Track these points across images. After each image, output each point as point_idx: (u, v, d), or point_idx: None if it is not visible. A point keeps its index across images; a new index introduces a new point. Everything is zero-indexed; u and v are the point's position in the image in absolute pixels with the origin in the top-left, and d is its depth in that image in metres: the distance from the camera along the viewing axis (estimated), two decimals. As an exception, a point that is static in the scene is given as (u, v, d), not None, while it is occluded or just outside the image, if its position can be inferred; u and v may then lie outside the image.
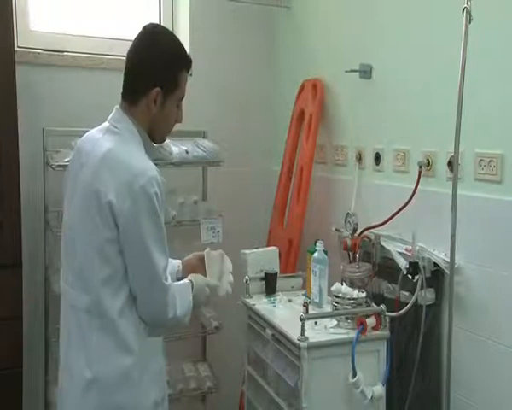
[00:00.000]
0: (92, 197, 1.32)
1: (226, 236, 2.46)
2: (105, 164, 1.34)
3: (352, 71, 2.22)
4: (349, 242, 2.10)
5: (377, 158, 2.19)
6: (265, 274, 2.12)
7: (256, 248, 2.21)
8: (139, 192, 1.29)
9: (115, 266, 1.33)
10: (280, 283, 2.14)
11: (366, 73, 2.20)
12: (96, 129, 1.48)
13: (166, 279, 1.35)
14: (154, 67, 1.38)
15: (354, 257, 2.06)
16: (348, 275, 2.00)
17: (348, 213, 2.18)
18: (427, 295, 1.83)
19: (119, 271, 1.33)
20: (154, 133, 1.46)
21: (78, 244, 1.37)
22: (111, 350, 1.35)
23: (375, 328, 1.76)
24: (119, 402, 1.36)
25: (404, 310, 1.85)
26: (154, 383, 1.41)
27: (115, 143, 1.38)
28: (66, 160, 2.24)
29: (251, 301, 2.06)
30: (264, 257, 2.15)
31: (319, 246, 1.97)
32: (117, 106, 1.45)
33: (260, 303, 2.04)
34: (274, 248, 2.25)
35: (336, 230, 2.26)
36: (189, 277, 1.52)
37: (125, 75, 1.43)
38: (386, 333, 1.77)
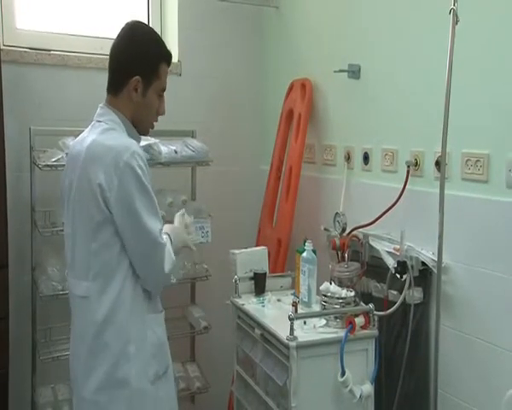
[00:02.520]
0: (85, 187, 1.42)
1: (215, 235, 2.45)
2: (90, 154, 1.43)
3: (341, 71, 2.23)
4: (338, 241, 2.11)
5: (366, 158, 2.20)
6: (254, 274, 2.12)
7: (245, 247, 2.21)
8: (124, 167, 1.38)
9: (113, 248, 1.42)
10: (269, 282, 2.14)
11: (354, 73, 2.21)
12: (84, 131, 1.58)
13: (162, 239, 1.46)
14: (133, 57, 1.48)
15: (343, 256, 2.07)
16: (337, 274, 2.01)
17: (337, 212, 2.18)
18: (415, 294, 1.84)
19: (115, 253, 1.43)
20: (137, 123, 1.53)
21: (78, 236, 1.46)
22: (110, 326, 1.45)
23: (363, 327, 1.77)
24: (120, 376, 1.45)
25: (392, 309, 1.86)
26: (153, 357, 1.50)
27: (98, 134, 1.47)
28: (53, 159, 2.24)
29: (240, 301, 2.06)
30: (253, 257, 2.15)
31: (308, 245, 1.98)
32: (100, 104, 1.54)
33: (249, 303, 2.04)
34: (263, 247, 2.25)
35: (325, 229, 2.26)
36: (167, 229, 1.59)
37: (108, 70, 1.53)
38: (375, 332, 1.78)
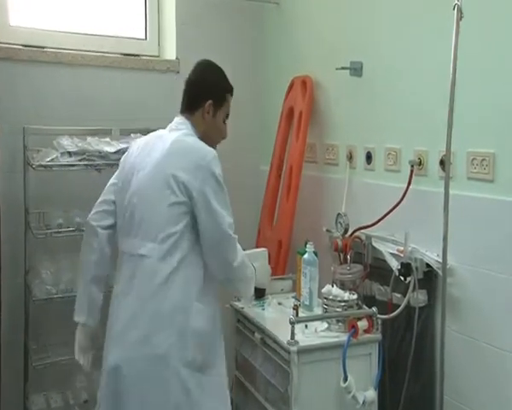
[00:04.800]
0: (161, 175, 1.63)
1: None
2: (174, 149, 1.67)
3: (343, 68, 2.23)
4: (340, 242, 2.12)
5: (368, 157, 2.20)
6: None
7: (244, 249, 2.18)
8: (206, 169, 1.63)
9: (185, 221, 1.62)
10: (269, 286, 2.13)
11: (357, 70, 2.22)
12: (158, 131, 1.82)
13: (231, 232, 1.66)
14: (208, 85, 1.82)
15: (345, 258, 2.06)
16: (339, 277, 2.01)
17: (339, 213, 2.18)
18: (419, 297, 1.83)
19: (185, 225, 1.63)
20: (205, 140, 1.76)
21: (146, 206, 1.66)
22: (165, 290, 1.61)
23: (366, 331, 1.77)
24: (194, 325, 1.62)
25: (396, 312, 1.86)
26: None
27: (180, 134, 1.73)
28: (47, 159, 2.24)
29: (239, 305, 2.07)
30: (254, 259, 2.15)
31: (309, 247, 1.98)
32: (177, 117, 1.81)
33: (249, 306, 2.04)
34: (263, 249, 2.23)
35: (327, 230, 2.27)
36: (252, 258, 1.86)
37: (185, 92, 1.82)
38: (378, 336, 1.78)
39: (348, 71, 2.23)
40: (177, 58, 2.73)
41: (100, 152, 2.29)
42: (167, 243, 1.62)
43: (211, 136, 1.82)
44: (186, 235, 1.64)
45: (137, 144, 1.81)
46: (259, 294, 2.09)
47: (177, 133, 1.75)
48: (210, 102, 1.79)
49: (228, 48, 2.78)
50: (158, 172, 1.66)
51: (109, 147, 2.32)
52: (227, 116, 1.86)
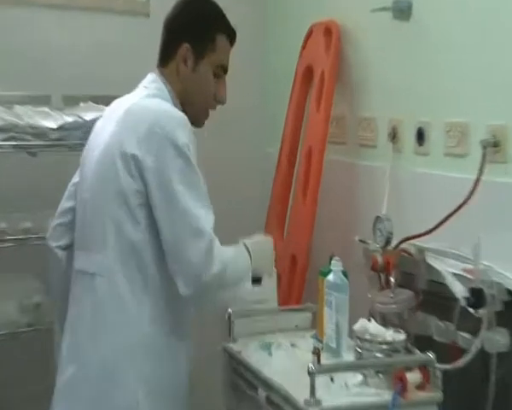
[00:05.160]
0: (115, 154, 1.65)
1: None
2: (127, 118, 1.69)
3: (383, 9, 2.21)
4: (380, 258, 2.07)
5: (420, 135, 2.19)
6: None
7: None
8: (163, 138, 1.61)
9: (135, 225, 1.65)
10: (279, 319, 2.15)
11: (403, 11, 2.19)
12: (121, 98, 1.84)
13: (208, 229, 1.66)
14: (183, 22, 1.79)
15: (387, 281, 2.05)
16: (379, 307, 2.00)
17: (378, 216, 2.15)
18: (497, 339, 1.80)
19: (141, 229, 1.65)
20: (186, 106, 1.77)
21: (98, 201, 1.70)
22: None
23: (420, 387, 1.73)
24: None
25: (463, 360, 1.82)
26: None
27: (141, 97, 1.75)
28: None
29: (235, 347, 2.06)
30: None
31: (336, 265, 1.94)
32: (151, 72, 1.83)
33: (249, 350, 2.02)
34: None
35: (361, 241, 2.24)
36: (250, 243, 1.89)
37: (161, 38, 1.83)
38: (438, 395, 1.74)
39: (390, 12, 2.21)
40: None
41: (33, 127, 2.27)
42: (122, 255, 1.64)
43: (193, 98, 1.81)
44: (148, 240, 1.65)
45: (102, 118, 1.86)
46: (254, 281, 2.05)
47: (137, 96, 1.77)
48: (186, 45, 1.76)
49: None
50: (106, 152, 1.69)
51: (48, 120, 2.31)
52: (223, 70, 1.83)
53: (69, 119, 2.30)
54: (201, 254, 1.64)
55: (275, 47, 2.88)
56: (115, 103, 1.86)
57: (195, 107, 1.82)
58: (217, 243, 1.69)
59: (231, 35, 1.85)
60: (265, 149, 2.88)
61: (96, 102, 2.39)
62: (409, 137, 2.24)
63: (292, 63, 2.67)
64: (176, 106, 1.78)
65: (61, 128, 2.27)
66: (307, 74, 2.58)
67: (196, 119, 1.83)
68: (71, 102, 2.40)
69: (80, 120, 2.30)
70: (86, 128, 2.15)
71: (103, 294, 1.67)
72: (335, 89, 2.44)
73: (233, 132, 2.79)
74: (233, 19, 2.67)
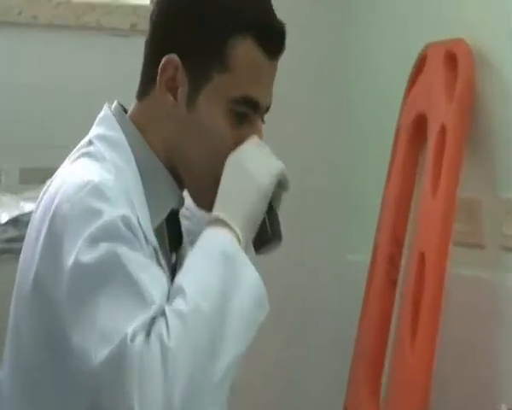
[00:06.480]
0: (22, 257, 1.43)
1: None
2: (42, 198, 1.40)
3: None
4: None
5: None
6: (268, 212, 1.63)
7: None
8: (52, 223, 1.23)
9: (34, 353, 1.33)
10: None
11: None
12: None
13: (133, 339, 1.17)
14: (167, 18, 1.32)
15: None
16: None
17: None
18: None
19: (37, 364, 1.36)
20: (179, 167, 1.32)
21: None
22: None
23: None
24: None
25: None
26: None
27: (67, 164, 1.41)
28: None
29: None
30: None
31: None
32: (109, 103, 1.43)
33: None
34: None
35: None
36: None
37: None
38: None
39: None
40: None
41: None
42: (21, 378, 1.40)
43: (190, 157, 1.32)
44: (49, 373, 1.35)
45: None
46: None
47: (67, 162, 1.42)
48: (171, 56, 1.25)
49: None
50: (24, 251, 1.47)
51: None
52: (252, 106, 1.27)
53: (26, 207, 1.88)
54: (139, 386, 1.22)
55: (361, 83, 2.41)
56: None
57: (194, 171, 1.29)
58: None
59: (268, 36, 1.24)
60: (345, 257, 2.38)
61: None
62: None
63: (391, 112, 2.17)
64: (148, 165, 1.29)
65: (8, 224, 1.84)
66: (417, 130, 2.07)
67: (197, 191, 1.31)
68: (34, 178, 2.06)
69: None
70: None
71: None
72: (465, 155, 1.93)
73: (294, 231, 2.12)
74: (305, 39, 2.27)
